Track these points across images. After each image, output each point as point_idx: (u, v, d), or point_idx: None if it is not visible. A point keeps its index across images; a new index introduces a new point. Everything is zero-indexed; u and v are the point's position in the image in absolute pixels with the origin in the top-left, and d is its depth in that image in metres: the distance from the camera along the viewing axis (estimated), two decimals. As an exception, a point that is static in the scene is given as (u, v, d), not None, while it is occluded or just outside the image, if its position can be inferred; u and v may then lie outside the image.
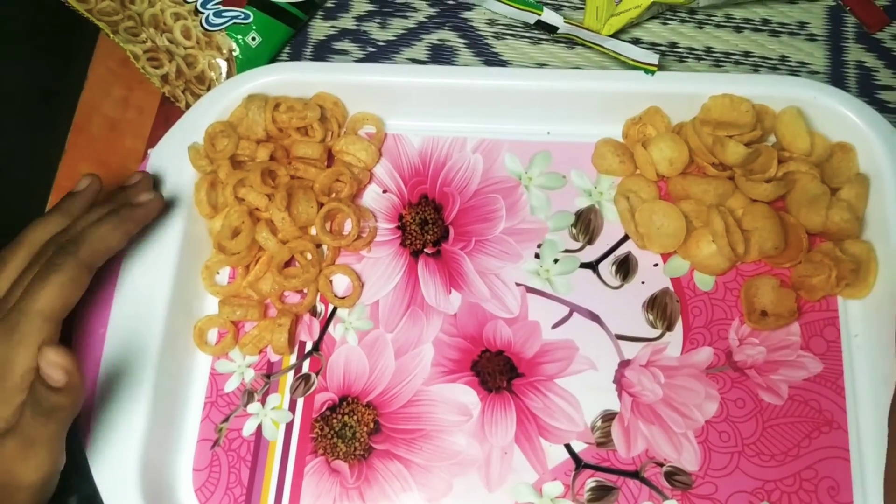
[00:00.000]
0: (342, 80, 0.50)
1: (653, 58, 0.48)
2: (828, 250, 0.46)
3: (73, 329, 0.45)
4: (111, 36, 0.52)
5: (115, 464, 0.42)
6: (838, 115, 0.47)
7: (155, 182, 0.47)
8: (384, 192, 0.50)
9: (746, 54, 0.54)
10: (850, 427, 0.44)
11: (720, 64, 0.53)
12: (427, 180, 0.50)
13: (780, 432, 0.44)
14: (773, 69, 0.53)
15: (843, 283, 0.45)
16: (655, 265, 0.48)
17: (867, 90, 0.52)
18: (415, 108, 0.51)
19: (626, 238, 0.48)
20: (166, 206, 0.46)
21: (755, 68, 0.53)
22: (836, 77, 0.53)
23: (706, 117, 0.48)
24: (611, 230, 0.49)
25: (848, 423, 0.44)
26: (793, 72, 0.53)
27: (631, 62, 0.49)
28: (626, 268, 0.48)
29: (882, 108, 0.52)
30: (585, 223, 0.49)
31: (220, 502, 0.44)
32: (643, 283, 0.47)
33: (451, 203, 0.50)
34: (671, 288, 0.47)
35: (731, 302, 0.47)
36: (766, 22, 0.54)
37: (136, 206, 0.44)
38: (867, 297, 0.46)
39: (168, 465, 0.45)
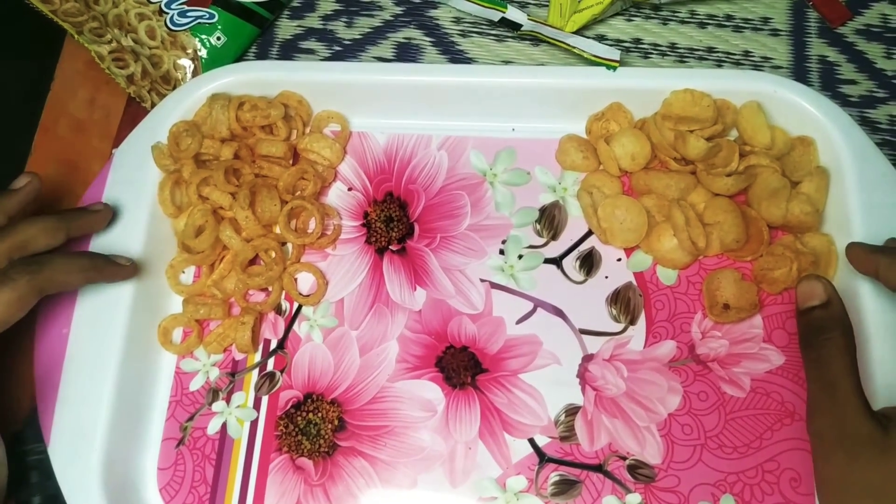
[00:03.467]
0: (306, 79, 0.50)
1: (614, 54, 0.49)
2: (788, 243, 0.46)
3: (36, 329, 0.45)
4: (76, 37, 0.52)
5: (77, 463, 0.42)
6: (798, 109, 0.47)
7: (114, 190, 0.48)
8: (349, 189, 0.51)
9: (710, 50, 0.54)
10: (811, 419, 0.44)
11: (684, 59, 0.54)
12: (392, 178, 0.51)
13: (742, 425, 0.44)
14: (737, 64, 0.54)
15: (804, 275, 0.45)
16: (619, 260, 0.48)
17: (830, 84, 0.53)
18: (380, 106, 0.51)
19: (589, 233, 0.49)
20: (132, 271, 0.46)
21: (719, 64, 0.54)
22: (799, 72, 0.53)
23: (668, 112, 0.48)
24: (575, 225, 0.49)
25: (810, 414, 0.44)
26: (756, 67, 0.53)
27: (593, 58, 0.49)
28: (589, 263, 0.48)
29: (844, 102, 0.52)
30: (549, 219, 0.49)
31: (185, 501, 0.44)
32: (607, 277, 0.48)
33: (416, 200, 0.50)
34: (634, 282, 0.47)
35: (694, 296, 0.47)
36: (729, 18, 0.55)
37: (113, 265, 0.44)
38: (828, 289, 0.46)
39: (132, 464, 0.44)
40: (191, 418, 0.46)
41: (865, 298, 0.43)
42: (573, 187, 0.50)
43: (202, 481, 0.45)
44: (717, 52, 0.54)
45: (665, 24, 0.54)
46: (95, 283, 0.44)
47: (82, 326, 0.45)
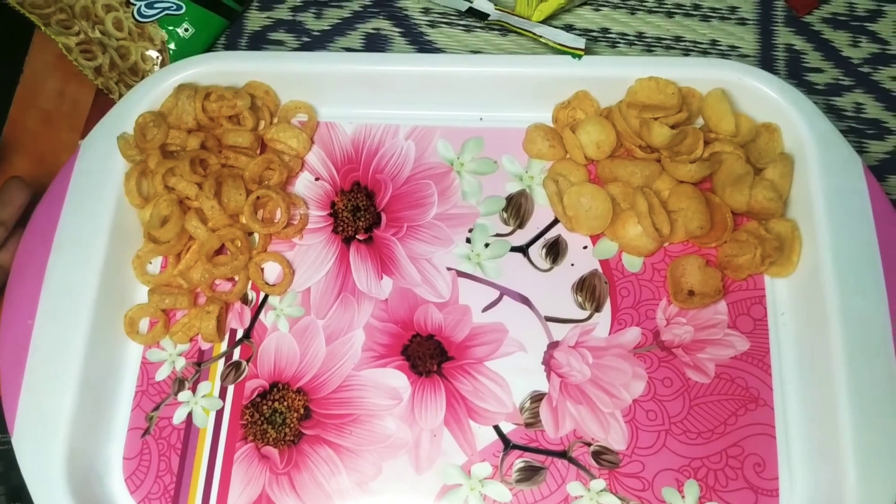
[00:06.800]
0: (273, 69, 0.50)
1: (579, 42, 0.49)
2: (753, 229, 0.46)
3: (0, 318, 0.45)
4: (43, 29, 0.52)
5: (41, 453, 0.42)
6: (763, 96, 0.48)
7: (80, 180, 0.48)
8: (316, 179, 0.51)
9: (678, 39, 0.54)
10: (776, 404, 0.44)
11: (652, 49, 0.54)
12: (360, 167, 0.51)
13: (706, 410, 0.44)
14: (704, 53, 0.54)
15: (768, 261, 0.45)
16: (585, 248, 0.48)
17: (796, 72, 0.53)
18: (347, 96, 0.51)
19: (556, 221, 0.49)
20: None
21: (686, 52, 0.54)
22: (766, 60, 0.53)
23: (633, 100, 0.48)
24: (541, 214, 0.49)
25: (774, 400, 0.44)
26: (724, 56, 0.54)
27: (559, 47, 0.49)
28: (555, 251, 0.48)
29: (811, 89, 0.52)
30: (516, 207, 0.49)
31: (150, 490, 0.44)
32: (572, 265, 0.48)
33: (383, 190, 0.50)
34: (600, 270, 0.47)
35: (659, 282, 0.47)
36: (697, 7, 0.55)
37: None
38: (792, 275, 0.46)
39: (97, 454, 0.44)
40: (156, 408, 0.46)
41: (828, 285, 0.43)
42: (540, 176, 0.50)
43: (167, 471, 0.45)
44: (685, 41, 0.54)
45: (633, 14, 0.55)
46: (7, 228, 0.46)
47: (47, 316, 0.45)
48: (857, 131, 0.51)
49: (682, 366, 0.45)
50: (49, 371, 0.44)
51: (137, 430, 0.45)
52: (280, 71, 0.50)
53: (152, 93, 0.49)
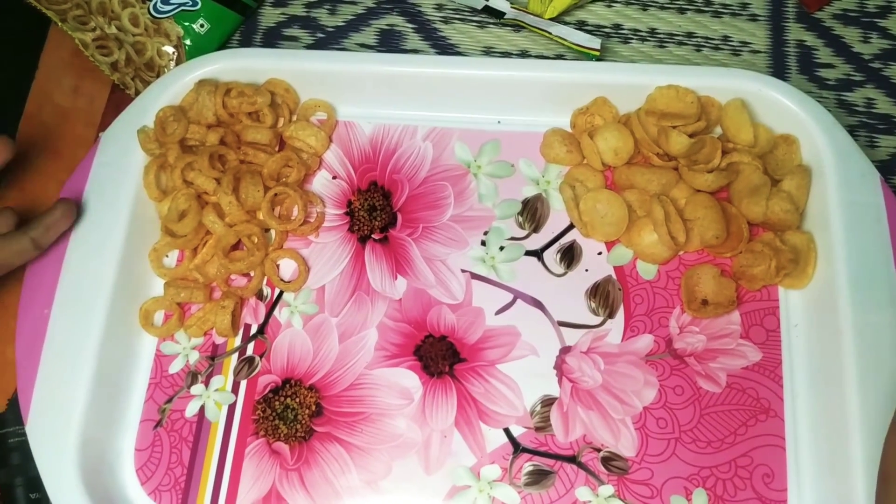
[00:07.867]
0: (294, 67, 0.50)
1: (595, 42, 0.49)
2: (768, 240, 0.46)
3: (18, 309, 0.45)
4: (60, 24, 0.52)
5: (54, 442, 0.42)
6: (782, 107, 0.48)
7: (99, 173, 0.48)
8: (334, 177, 0.51)
9: (689, 35, 0.54)
10: (786, 416, 0.44)
11: (664, 45, 0.54)
12: (377, 167, 0.51)
13: (717, 420, 0.44)
14: (716, 49, 0.54)
15: (783, 272, 0.45)
16: (599, 254, 0.48)
17: (807, 68, 0.53)
18: (366, 96, 0.51)
19: (571, 226, 0.49)
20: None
21: (698, 49, 0.54)
22: (777, 56, 0.54)
23: (651, 108, 0.48)
24: (557, 218, 0.49)
25: (785, 411, 0.44)
26: (735, 51, 0.54)
27: (574, 47, 0.49)
28: (570, 256, 0.48)
29: (822, 85, 0.53)
30: (532, 211, 0.49)
31: (161, 482, 0.44)
32: (587, 270, 0.48)
33: (400, 190, 0.50)
34: (614, 276, 0.48)
35: (673, 290, 0.47)
36: (708, 3, 0.55)
37: (49, 230, 0.45)
38: (807, 287, 0.46)
39: (110, 445, 0.45)
40: (169, 400, 0.46)
41: (842, 298, 0.43)
42: (557, 180, 0.50)
43: (179, 463, 0.45)
44: (697, 36, 0.54)
45: (645, 10, 0.55)
46: (42, 250, 0.45)
47: (64, 307, 0.45)
48: (868, 126, 0.52)
49: (694, 374, 0.45)
50: (64, 361, 0.44)
51: (150, 421, 0.46)
52: (300, 69, 0.50)
53: (173, 88, 0.50)
